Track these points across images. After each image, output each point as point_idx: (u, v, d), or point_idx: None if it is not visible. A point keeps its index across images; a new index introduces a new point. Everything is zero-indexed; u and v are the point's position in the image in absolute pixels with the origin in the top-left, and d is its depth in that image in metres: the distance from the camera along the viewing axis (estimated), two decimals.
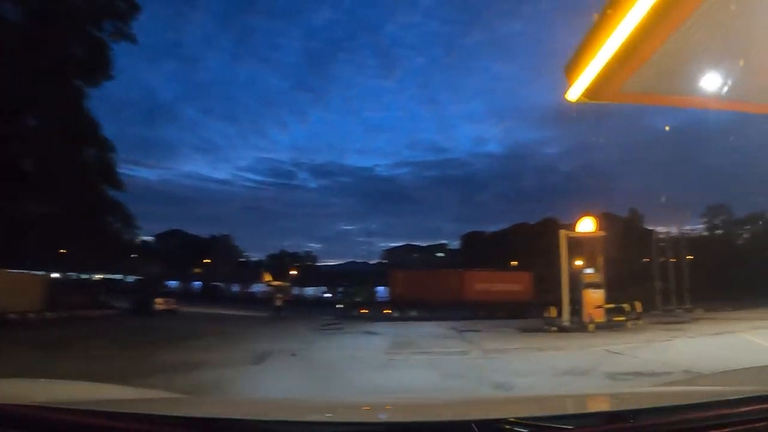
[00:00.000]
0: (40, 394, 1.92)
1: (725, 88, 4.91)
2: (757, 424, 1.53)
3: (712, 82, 4.92)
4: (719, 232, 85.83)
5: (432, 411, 2.17)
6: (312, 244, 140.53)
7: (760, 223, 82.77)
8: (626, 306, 25.16)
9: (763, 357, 11.98)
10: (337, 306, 49.57)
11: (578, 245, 27.60)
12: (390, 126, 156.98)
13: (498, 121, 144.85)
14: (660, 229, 52.90)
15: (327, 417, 1.95)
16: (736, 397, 1.71)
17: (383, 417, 1.95)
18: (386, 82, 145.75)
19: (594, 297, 25.43)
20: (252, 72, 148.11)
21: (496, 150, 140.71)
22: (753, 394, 1.72)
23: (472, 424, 1.47)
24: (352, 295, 58.36)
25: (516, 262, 65.45)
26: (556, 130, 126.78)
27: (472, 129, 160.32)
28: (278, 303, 47.27)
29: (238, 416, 1.79)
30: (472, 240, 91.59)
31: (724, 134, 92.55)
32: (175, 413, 1.72)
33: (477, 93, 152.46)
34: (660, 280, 42.06)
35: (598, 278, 26.01)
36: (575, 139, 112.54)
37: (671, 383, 3.75)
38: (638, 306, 25.27)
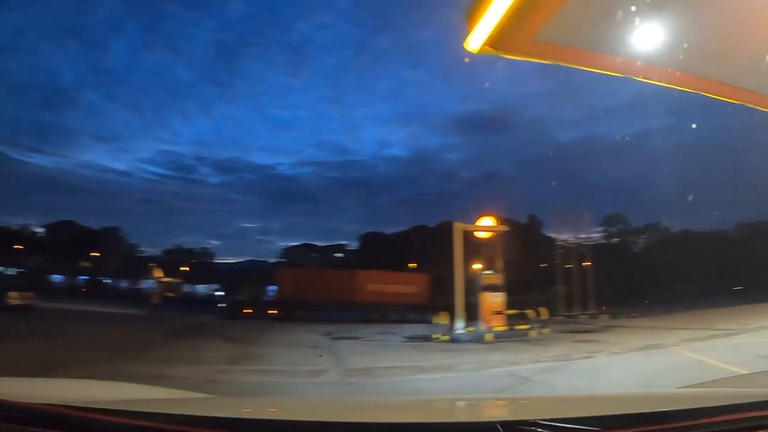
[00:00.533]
0: (67, 394, 1.94)
1: (662, 53, 4.14)
2: None
3: (647, 41, 4.06)
4: (616, 240, 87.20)
5: (457, 411, 2.18)
6: (212, 241, 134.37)
7: (646, 233, 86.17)
8: (530, 312, 21.32)
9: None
10: (219, 305, 44.81)
11: (477, 246, 25.79)
12: (296, 125, 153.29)
13: (403, 125, 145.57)
14: (559, 236, 51.35)
15: (354, 417, 1.92)
16: (765, 399, 1.69)
17: (408, 417, 1.94)
18: (294, 80, 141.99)
19: (493, 301, 21.51)
20: (160, 61, 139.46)
21: (399, 154, 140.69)
22: None
23: (498, 425, 1.47)
24: (236, 294, 53.86)
25: (415, 264, 63.88)
26: (460, 137, 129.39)
27: (377, 132, 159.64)
28: (155, 300, 43.57)
29: (268, 417, 1.82)
30: (370, 241, 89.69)
31: (622, 149, 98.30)
32: (208, 414, 1.70)
33: (384, 97, 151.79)
34: (563, 285, 39.42)
35: (497, 280, 22.10)
36: (478, 147, 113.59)
37: (697, 385, 2.88)
38: (543, 312, 21.50)
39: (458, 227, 22.73)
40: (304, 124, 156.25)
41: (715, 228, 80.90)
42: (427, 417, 1.97)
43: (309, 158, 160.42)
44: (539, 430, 1.48)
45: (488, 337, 19.57)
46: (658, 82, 4.57)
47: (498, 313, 21.09)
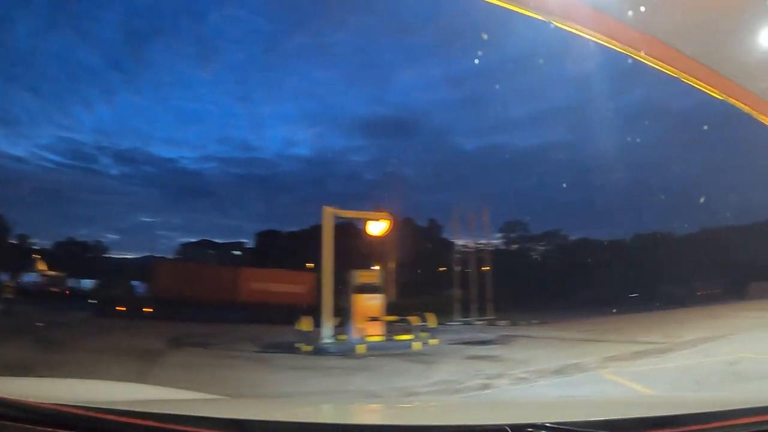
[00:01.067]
0: (75, 394, 1.94)
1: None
2: None
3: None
4: (516, 246, 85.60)
5: (466, 414, 2.17)
6: (109, 235, 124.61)
7: (545, 241, 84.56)
8: (413, 319, 17.09)
9: None
10: (89, 301, 40.73)
11: (361, 242, 25.22)
12: (201, 118, 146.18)
13: (309, 125, 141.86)
14: (459, 240, 49.08)
15: (364, 420, 1.96)
16: None
17: (418, 420, 1.96)
18: (203, 73, 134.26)
19: (369, 305, 17.22)
20: (65, 43, 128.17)
21: (304, 153, 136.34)
22: None
23: (507, 428, 1.47)
24: (113, 290, 48.27)
25: (312, 265, 59.87)
26: (365, 140, 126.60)
27: (283, 130, 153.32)
28: (8, 295, 36.71)
29: (279, 418, 1.81)
30: (267, 239, 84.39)
31: (524, 159, 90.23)
32: (219, 415, 1.71)
33: (292, 95, 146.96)
34: (460, 289, 36.02)
35: (375, 279, 17.89)
36: (383, 151, 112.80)
37: (710, 388, 3.32)
38: (431, 319, 17.32)
39: (328, 212, 18.35)
40: (209, 119, 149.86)
41: (612, 237, 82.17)
42: (436, 419, 1.94)
43: (213, 153, 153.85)
44: None
45: (360, 349, 15.29)
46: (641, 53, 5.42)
47: (374, 319, 16.77)
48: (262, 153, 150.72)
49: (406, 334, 16.60)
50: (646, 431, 1.56)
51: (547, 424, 1.49)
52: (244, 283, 37.63)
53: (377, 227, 23.22)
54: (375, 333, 16.64)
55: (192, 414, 1.67)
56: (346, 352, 15.10)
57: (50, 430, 1.46)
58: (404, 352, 14.99)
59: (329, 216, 18.39)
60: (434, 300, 33.21)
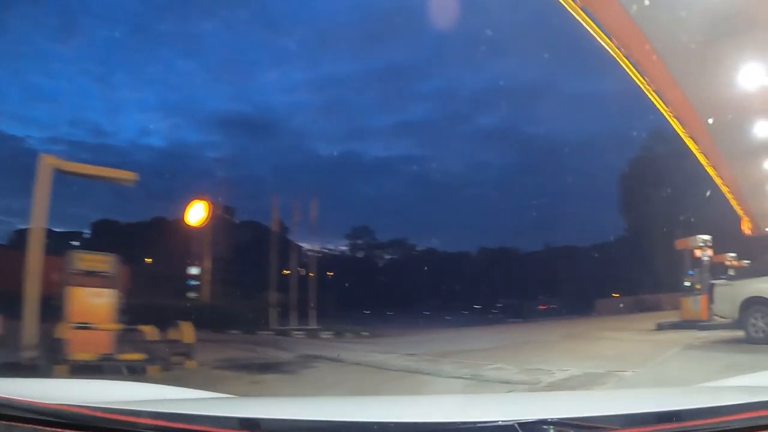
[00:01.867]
0: (85, 394, 1.94)
1: None
2: None
3: None
4: (361, 253, 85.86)
5: (473, 410, 2.13)
6: None
7: (391, 249, 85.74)
8: (148, 330, 10.77)
9: None
10: None
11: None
12: (55, 97, 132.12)
13: (167, 115, 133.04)
14: (306, 245, 44.76)
15: (370, 416, 1.84)
16: None
17: (428, 415, 1.94)
18: (62, 47, 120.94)
19: (90, 304, 10.71)
20: None
21: (158, 144, 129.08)
22: None
23: (516, 425, 1.45)
24: None
25: (150, 259, 55.80)
26: (221, 137, 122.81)
27: (139, 118, 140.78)
28: None
29: (291, 416, 1.82)
30: (102, 229, 76.42)
31: (377, 169, 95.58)
32: (231, 414, 1.70)
33: (152, 83, 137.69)
34: (284, 293, 30.01)
35: (106, 267, 11.37)
36: (238, 149, 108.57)
37: (721, 380, 2.75)
38: (187, 332, 11.11)
39: (46, 162, 11.84)
40: (64, 98, 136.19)
41: (459, 249, 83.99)
42: (446, 416, 1.85)
43: (63, 135, 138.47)
44: (558, 428, 1.44)
45: (61, 369, 8.97)
46: None
47: (84, 326, 10.24)
48: (115, 140, 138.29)
49: (136, 354, 10.32)
50: (656, 425, 1.48)
51: (557, 419, 1.47)
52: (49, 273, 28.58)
53: (195, 215, 23.10)
54: (94, 349, 10.18)
55: (203, 413, 1.67)
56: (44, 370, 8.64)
57: (59, 430, 1.45)
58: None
59: (48, 169, 11.73)
60: (255, 304, 28.12)
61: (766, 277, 11.84)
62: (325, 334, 23.75)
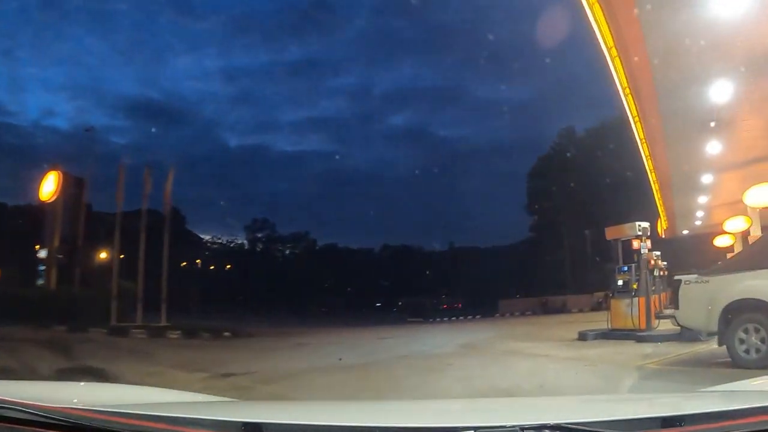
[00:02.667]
0: (83, 397, 1.91)
1: None
2: None
3: None
4: (260, 247, 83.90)
5: (477, 414, 2.10)
6: None
7: (292, 243, 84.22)
8: None
9: None
10: None
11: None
12: None
13: (73, 96, 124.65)
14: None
15: (371, 421, 1.83)
16: None
17: (429, 420, 1.90)
18: None
19: None
20: None
21: (62, 126, 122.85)
22: None
23: (518, 429, 1.42)
24: None
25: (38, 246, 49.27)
26: (129, 122, 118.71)
27: (44, 98, 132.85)
28: None
29: (286, 420, 1.78)
30: None
31: (284, 163, 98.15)
32: (227, 418, 1.67)
33: (60, 61, 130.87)
34: (136, 283, 24.12)
35: None
36: (145, 136, 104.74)
37: (726, 385, 2.55)
38: None
39: None
40: None
41: (363, 246, 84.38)
42: (448, 420, 1.86)
43: None
44: None
45: None
46: None
47: None
48: (17, 119, 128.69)
49: None
50: (661, 429, 1.46)
51: (559, 424, 1.43)
52: None
53: (46, 188, 21.85)
54: None
55: (206, 417, 1.65)
56: None
57: None
58: None
59: None
60: (100, 295, 22.60)
61: (761, 271, 7.61)
62: (172, 334, 18.86)
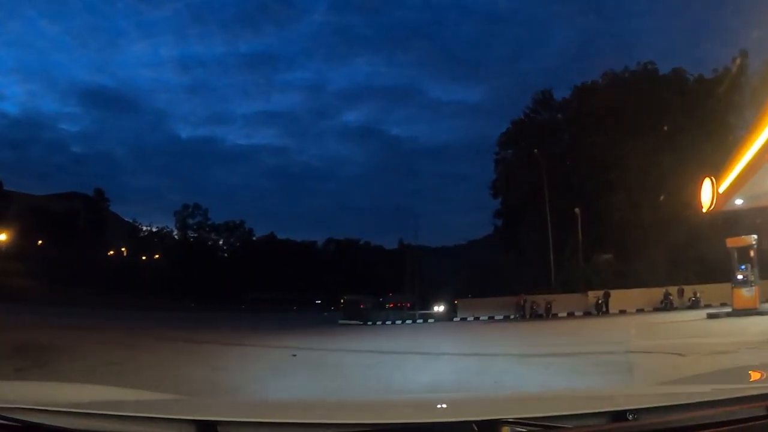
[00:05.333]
0: (34, 396, 1.82)
1: None
2: (757, 422, 1.46)
3: None
4: (193, 235, 77.22)
5: (432, 410, 2.07)
6: None
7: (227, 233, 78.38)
8: None
9: None
10: None
11: None
12: None
13: (24, 79, 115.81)
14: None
15: (331, 418, 1.76)
16: (737, 395, 1.62)
17: (380, 418, 1.82)
18: None
19: None
20: None
21: (10, 111, 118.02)
22: (751, 392, 1.65)
23: (473, 425, 1.42)
24: None
25: None
26: (80, 108, 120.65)
27: None
28: None
29: (241, 418, 1.66)
30: None
31: (234, 156, 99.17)
32: (188, 416, 1.57)
33: (10, 43, 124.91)
34: None
35: None
36: (96, 124, 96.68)
37: (671, 382, 3.07)
38: None
39: None
40: None
41: (305, 239, 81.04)
42: (400, 416, 1.84)
43: None
44: (515, 428, 1.43)
45: None
46: None
47: None
48: None
49: None
50: (609, 424, 1.49)
51: (511, 419, 1.46)
52: None
53: None
54: None
55: (158, 415, 1.59)
56: None
57: None
58: None
59: None
60: None
61: None
62: None
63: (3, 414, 1.43)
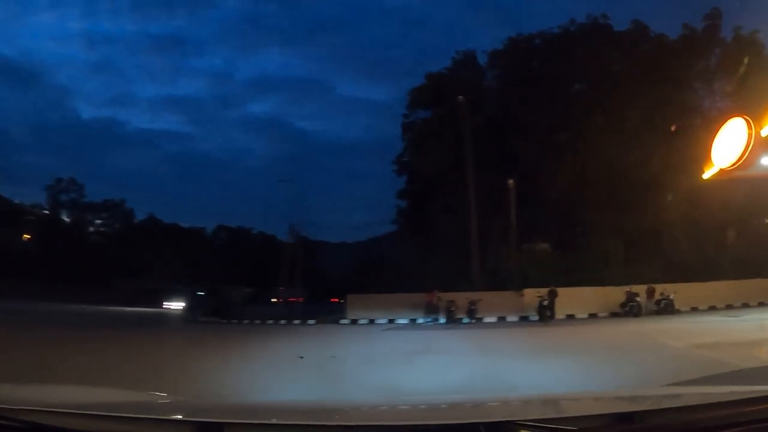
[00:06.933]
0: (45, 398, 1.71)
1: None
2: (765, 424, 1.41)
3: None
4: (66, 218, 67.25)
5: (441, 412, 2.04)
6: None
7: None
8: None
9: None
10: None
11: None
12: None
13: None
14: None
15: (335, 420, 1.79)
16: (743, 397, 1.62)
17: (392, 419, 1.86)
18: None
19: None
20: None
21: None
22: (760, 394, 1.63)
23: (481, 427, 1.37)
24: None
25: None
26: None
27: None
28: None
29: (246, 420, 1.67)
30: None
31: (136, 139, 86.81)
32: (181, 417, 1.61)
33: None
34: None
35: None
36: None
37: (677, 384, 3.27)
38: None
39: None
40: None
41: (194, 225, 74.07)
42: (411, 419, 1.86)
43: None
44: (522, 430, 1.37)
45: None
46: None
47: None
48: None
49: None
50: (614, 425, 1.46)
51: (519, 421, 1.41)
52: None
53: None
54: None
55: (165, 417, 1.58)
56: None
57: None
58: None
59: None
60: None
61: None
62: None
63: (8, 415, 1.37)
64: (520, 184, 21.53)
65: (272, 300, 41.28)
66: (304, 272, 49.25)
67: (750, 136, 7.55)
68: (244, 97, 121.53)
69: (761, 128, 7.76)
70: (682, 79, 22.27)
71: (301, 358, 9.08)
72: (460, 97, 22.67)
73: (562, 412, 1.83)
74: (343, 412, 2.08)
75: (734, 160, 7.52)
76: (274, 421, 1.69)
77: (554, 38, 26.59)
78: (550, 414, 1.70)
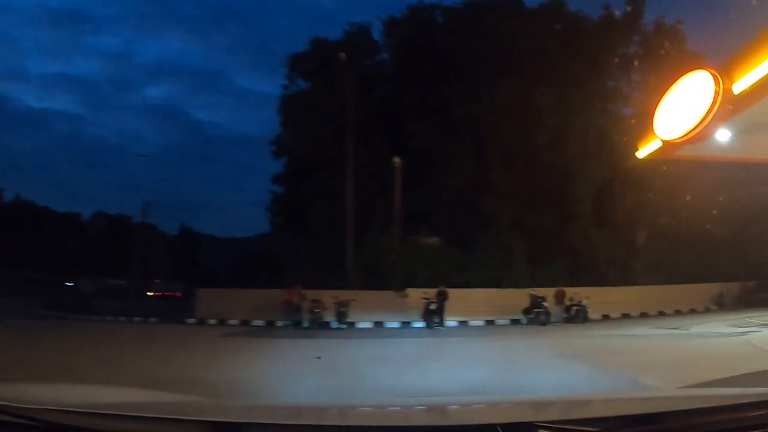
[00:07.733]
0: (67, 398, 1.67)
1: None
2: None
3: None
4: None
5: (457, 414, 1.99)
6: None
7: None
8: None
9: None
10: None
11: None
12: None
13: None
14: None
15: (353, 421, 1.79)
16: (762, 399, 1.56)
17: (407, 421, 1.84)
18: None
19: None
20: None
21: None
22: None
23: (498, 428, 1.34)
24: None
25: None
26: None
27: None
28: None
29: (261, 420, 1.63)
30: None
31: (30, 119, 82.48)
32: (219, 419, 1.51)
33: None
34: None
35: None
36: None
37: (694, 386, 3.24)
38: None
39: None
40: None
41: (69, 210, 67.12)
42: (429, 420, 1.82)
43: None
44: (541, 431, 1.34)
45: None
46: None
47: None
48: None
49: None
50: (632, 427, 1.42)
51: (537, 422, 1.38)
52: None
53: None
54: None
55: (180, 417, 1.52)
56: None
57: None
58: None
59: None
60: None
61: None
62: None
63: (28, 414, 1.36)
64: (411, 168, 18.37)
65: (148, 293, 38.41)
66: (186, 266, 45.15)
67: (717, 93, 5.64)
68: (141, 82, 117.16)
69: (732, 83, 5.63)
70: (600, 63, 20.01)
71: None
72: (342, 54, 19.14)
73: (580, 413, 1.78)
74: (359, 414, 2.02)
75: (690, 126, 5.92)
76: (288, 421, 1.66)
77: (458, 9, 23.56)
78: (567, 416, 1.62)
